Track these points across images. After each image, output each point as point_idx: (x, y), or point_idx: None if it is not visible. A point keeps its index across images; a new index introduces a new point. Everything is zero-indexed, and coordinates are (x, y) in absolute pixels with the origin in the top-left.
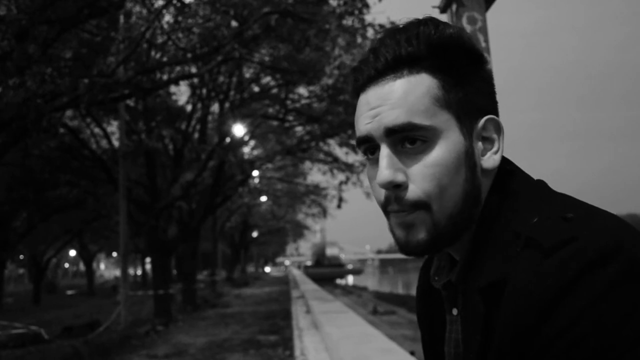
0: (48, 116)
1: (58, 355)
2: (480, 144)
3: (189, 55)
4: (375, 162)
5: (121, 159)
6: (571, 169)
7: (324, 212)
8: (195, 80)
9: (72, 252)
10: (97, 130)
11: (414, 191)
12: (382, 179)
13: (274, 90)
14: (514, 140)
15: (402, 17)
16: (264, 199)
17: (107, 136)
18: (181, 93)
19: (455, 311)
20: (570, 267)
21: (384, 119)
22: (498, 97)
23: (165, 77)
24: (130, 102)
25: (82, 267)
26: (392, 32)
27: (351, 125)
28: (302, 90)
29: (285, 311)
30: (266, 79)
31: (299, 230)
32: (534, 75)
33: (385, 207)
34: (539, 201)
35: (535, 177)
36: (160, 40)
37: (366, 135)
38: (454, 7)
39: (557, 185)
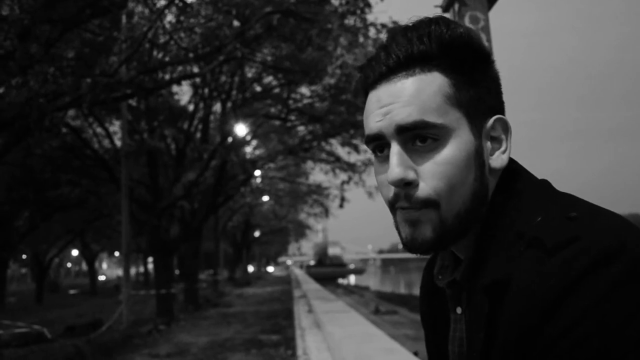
0: (50, 116)
1: (60, 355)
2: (489, 143)
3: (191, 55)
4: (384, 159)
5: (123, 159)
6: (571, 169)
7: (326, 212)
8: (198, 79)
9: (75, 252)
10: (99, 129)
11: (424, 189)
12: (393, 176)
13: (276, 90)
14: (515, 139)
15: (404, 16)
16: (266, 198)
17: (109, 136)
18: (183, 93)
19: (459, 310)
20: (574, 267)
21: (395, 117)
22: None
23: (167, 76)
24: (133, 102)
25: (84, 266)
26: (404, 30)
27: (353, 124)
28: (304, 90)
29: (287, 311)
30: (268, 79)
31: (301, 230)
32: (534, 74)
33: (393, 203)
34: (543, 200)
35: (536, 177)
36: (162, 40)
37: (377, 133)
38: (456, 6)
39: (557, 185)
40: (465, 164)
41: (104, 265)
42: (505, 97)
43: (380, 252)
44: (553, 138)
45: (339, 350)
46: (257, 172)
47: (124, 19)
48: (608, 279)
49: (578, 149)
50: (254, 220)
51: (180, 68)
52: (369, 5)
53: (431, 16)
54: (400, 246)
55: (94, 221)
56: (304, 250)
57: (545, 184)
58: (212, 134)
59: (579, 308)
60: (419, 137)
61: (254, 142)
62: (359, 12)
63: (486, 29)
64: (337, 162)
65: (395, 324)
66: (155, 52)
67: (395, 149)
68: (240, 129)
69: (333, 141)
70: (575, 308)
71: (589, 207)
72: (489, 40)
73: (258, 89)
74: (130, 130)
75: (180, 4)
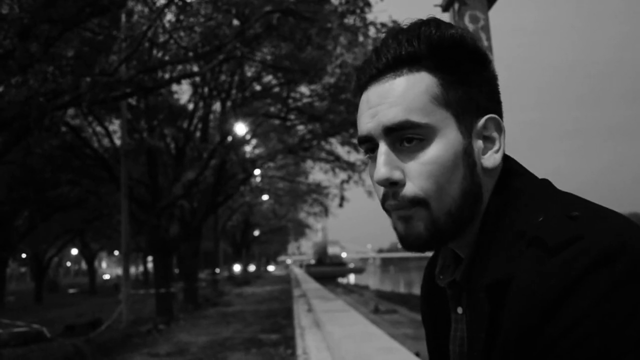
0: (50, 115)
1: (60, 354)
2: (480, 142)
3: (191, 54)
4: (374, 160)
5: (123, 158)
6: (571, 168)
7: (325, 211)
8: (197, 79)
9: (74, 251)
10: (98, 128)
11: (410, 188)
12: (379, 176)
13: (276, 89)
14: (514, 139)
15: (404, 15)
16: (265, 197)
17: (108, 135)
18: (183, 92)
19: (460, 310)
20: (574, 267)
21: (382, 118)
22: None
23: (167, 75)
24: (132, 101)
25: (84, 265)
26: (395, 33)
27: (353, 124)
28: (304, 89)
29: (287, 310)
30: (268, 78)
31: (301, 229)
32: (533, 73)
33: (383, 203)
34: (544, 200)
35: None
36: (162, 39)
37: (366, 135)
38: (456, 5)
39: (557, 184)
40: (453, 163)
41: (104, 265)
42: (504, 96)
43: (380, 251)
44: (552, 137)
45: (339, 349)
46: (257, 171)
47: (123, 17)
48: (609, 278)
49: (577, 148)
50: (253, 220)
51: (180, 67)
52: (368, 5)
53: (424, 18)
54: (400, 245)
55: (94, 220)
56: (303, 250)
57: (545, 183)
58: (211, 133)
59: (579, 308)
60: (406, 137)
61: (254, 141)
62: (358, 11)
63: (486, 28)
64: (336, 161)
65: (394, 323)
66: (154, 51)
67: (382, 149)
68: (240, 128)
69: (333, 140)
70: (576, 308)
71: (591, 207)
72: (488, 39)
73: (258, 88)
74: (129, 129)
75: (180, 3)
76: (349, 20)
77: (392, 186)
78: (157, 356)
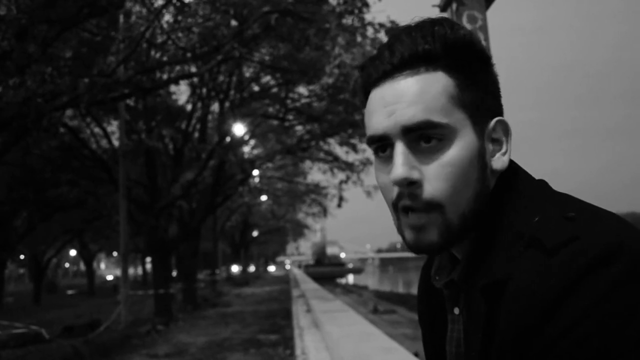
0: (48, 115)
1: (58, 355)
2: (490, 145)
3: (189, 54)
4: (385, 159)
5: (121, 159)
6: (569, 168)
7: (324, 211)
8: (195, 79)
9: (73, 252)
10: (97, 129)
11: (428, 190)
12: (397, 175)
13: (274, 90)
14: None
15: (402, 16)
16: (264, 198)
17: (107, 136)
18: (181, 92)
19: (457, 310)
20: (573, 267)
21: (400, 117)
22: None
23: (165, 76)
24: (130, 102)
25: (82, 266)
26: (407, 30)
27: (351, 124)
28: (302, 90)
29: (286, 310)
30: (266, 78)
31: (299, 230)
32: (532, 73)
33: (396, 202)
34: (542, 201)
35: (534, 176)
36: (160, 39)
37: (382, 134)
38: (454, 5)
39: (555, 184)
40: (469, 165)
41: (102, 265)
42: (503, 96)
43: (379, 251)
44: (551, 137)
45: (337, 349)
46: (255, 172)
47: (121, 18)
48: (608, 279)
49: (576, 148)
50: (252, 220)
51: (178, 68)
52: (366, 5)
53: (434, 17)
54: (399, 245)
55: (92, 221)
56: (302, 250)
57: (542, 184)
58: (210, 134)
59: (578, 308)
60: (424, 137)
61: (252, 142)
62: (356, 11)
63: (484, 28)
64: (335, 161)
65: (393, 323)
66: (153, 52)
67: (400, 148)
68: (238, 129)
69: (331, 140)
70: (575, 308)
71: (587, 207)
72: (486, 39)
73: (256, 88)
74: (128, 130)
75: (178, 4)
76: (347, 20)
77: (409, 186)
78: (156, 357)
